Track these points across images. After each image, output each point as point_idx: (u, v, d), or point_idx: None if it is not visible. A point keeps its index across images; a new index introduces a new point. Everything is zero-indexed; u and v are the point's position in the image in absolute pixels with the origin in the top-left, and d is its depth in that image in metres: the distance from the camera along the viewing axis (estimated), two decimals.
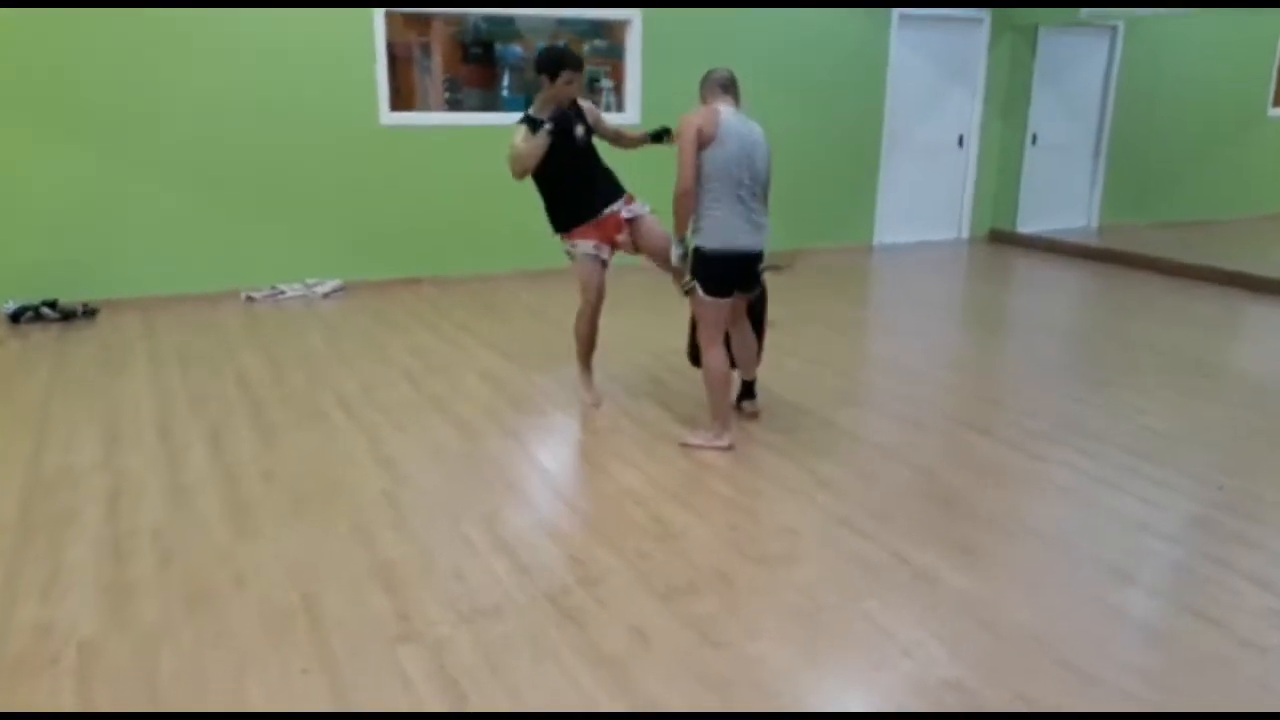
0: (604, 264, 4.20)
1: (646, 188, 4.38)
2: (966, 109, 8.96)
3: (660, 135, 4.19)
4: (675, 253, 3.77)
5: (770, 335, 4.41)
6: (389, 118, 6.70)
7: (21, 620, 2.59)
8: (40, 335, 5.49)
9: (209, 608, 2.67)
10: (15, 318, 5.70)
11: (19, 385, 4.62)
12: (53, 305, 5.81)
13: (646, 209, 4.20)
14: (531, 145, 3.92)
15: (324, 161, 6.55)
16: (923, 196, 9.02)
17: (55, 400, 4.38)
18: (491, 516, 3.26)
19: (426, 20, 7.74)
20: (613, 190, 4.19)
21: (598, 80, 7.92)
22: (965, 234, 9.29)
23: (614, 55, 7.75)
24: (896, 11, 8.28)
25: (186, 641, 2.51)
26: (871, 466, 3.73)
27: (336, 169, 6.60)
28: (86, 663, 2.41)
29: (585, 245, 4.14)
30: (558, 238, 4.23)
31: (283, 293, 6.48)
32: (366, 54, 6.50)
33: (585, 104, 4.16)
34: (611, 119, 4.61)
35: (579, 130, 4.07)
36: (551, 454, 3.93)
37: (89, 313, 5.88)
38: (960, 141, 9.01)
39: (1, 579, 2.80)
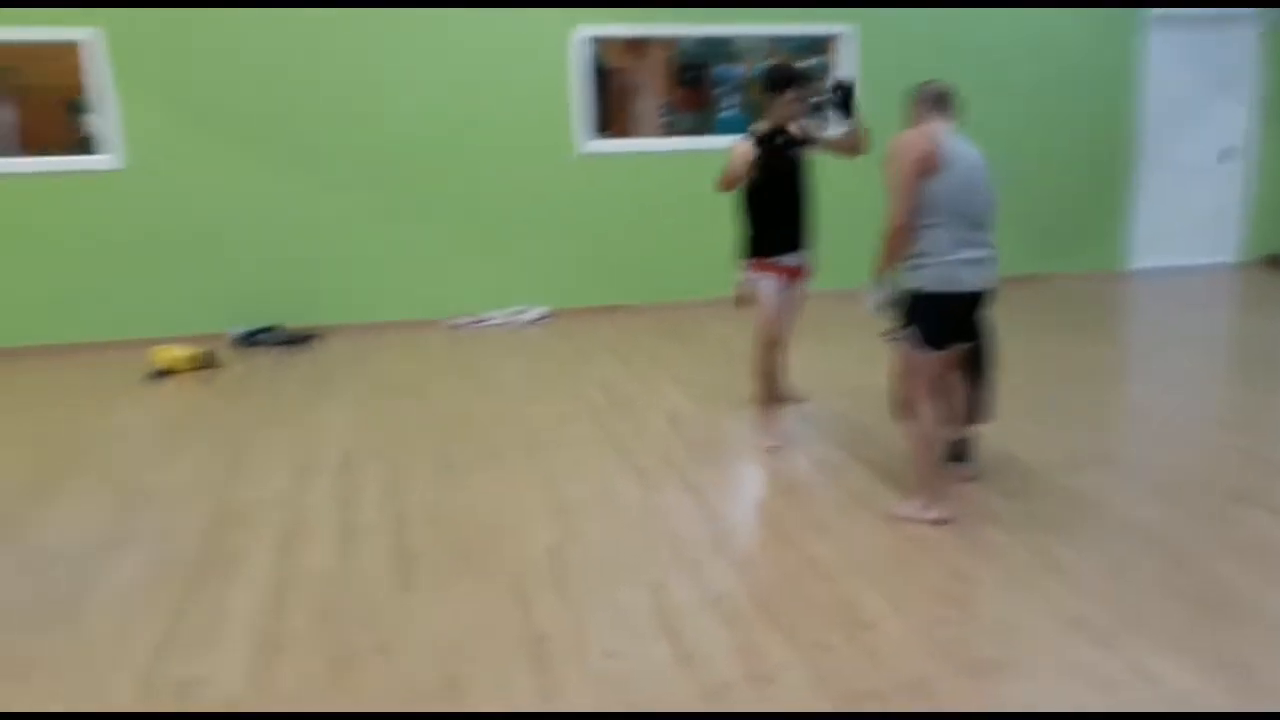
0: (786, 301, 4.05)
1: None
2: (1234, 118, 7.77)
3: (842, 97, 3.78)
4: (873, 298, 3.31)
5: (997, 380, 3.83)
6: (593, 144, 6.61)
7: (169, 675, 2.53)
8: (262, 359, 5.75)
9: (349, 677, 2.51)
10: (242, 342, 6.03)
11: (232, 410, 4.81)
12: (275, 330, 6.10)
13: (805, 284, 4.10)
14: (741, 149, 3.84)
15: (531, 190, 6.54)
16: (1185, 216, 7.90)
17: (260, 427, 4.51)
18: (658, 587, 2.93)
19: (640, 44, 7.62)
20: (804, 238, 4.05)
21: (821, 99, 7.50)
22: (1237, 258, 8.06)
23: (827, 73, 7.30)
24: (1153, 12, 7.30)
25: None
26: (1117, 549, 3.09)
27: (543, 197, 6.57)
28: None
29: (767, 281, 3.99)
30: (741, 265, 4.08)
31: (488, 321, 6.51)
32: (567, 80, 6.44)
33: (805, 124, 4.01)
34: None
35: (794, 153, 3.96)
36: (731, 513, 3.56)
37: (307, 339, 6.13)
38: (1225, 155, 7.83)
39: (166, 624, 2.78)
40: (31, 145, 7.57)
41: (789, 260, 4.00)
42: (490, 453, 4.11)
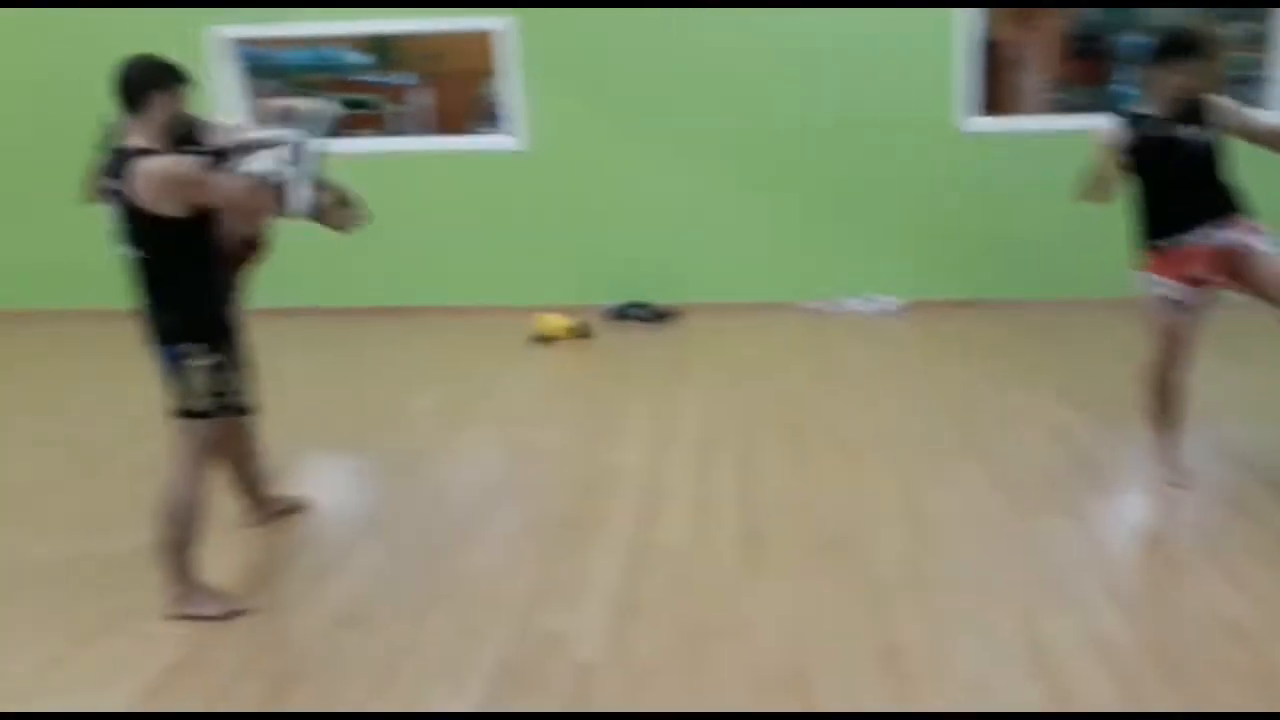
0: (1189, 310, 3.27)
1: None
2: None
3: None
4: None
5: None
6: (973, 123, 6.18)
7: (539, 626, 2.71)
8: (631, 333, 6.06)
9: (701, 654, 2.54)
10: (614, 315, 6.39)
11: (602, 379, 5.12)
12: (643, 306, 6.40)
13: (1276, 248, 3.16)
14: (1106, 139, 3.23)
15: (898, 172, 6.26)
16: None
17: (626, 398, 4.74)
18: (1029, 614, 2.66)
19: (1030, 14, 7.00)
20: (1220, 209, 3.22)
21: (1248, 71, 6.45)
22: None
23: (1265, 41, 6.23)
24: None
25: (672, 687, 2.40)
26: None
27: (911, 179, 6.27)
28: (577, 689, 2.42)
29: (1162, 285, 3.27)
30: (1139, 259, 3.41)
31: (842, 307, 6.36)
32: (949, 53, 6.05)
33: (1219, 100, 3.22)
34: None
35: (1189, 131, 3.17)
36: (1123, 549, 3.16)
37: (672, 315, 6.36)
38: None
39: (537, 575, 3.00)
40: (448, 126, 8.57)
41: (1197, 241, 3.20)
42: (841, 445, 3.99)
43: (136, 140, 2.56)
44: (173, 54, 2.96)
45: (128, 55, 2.62)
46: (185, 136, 2.72)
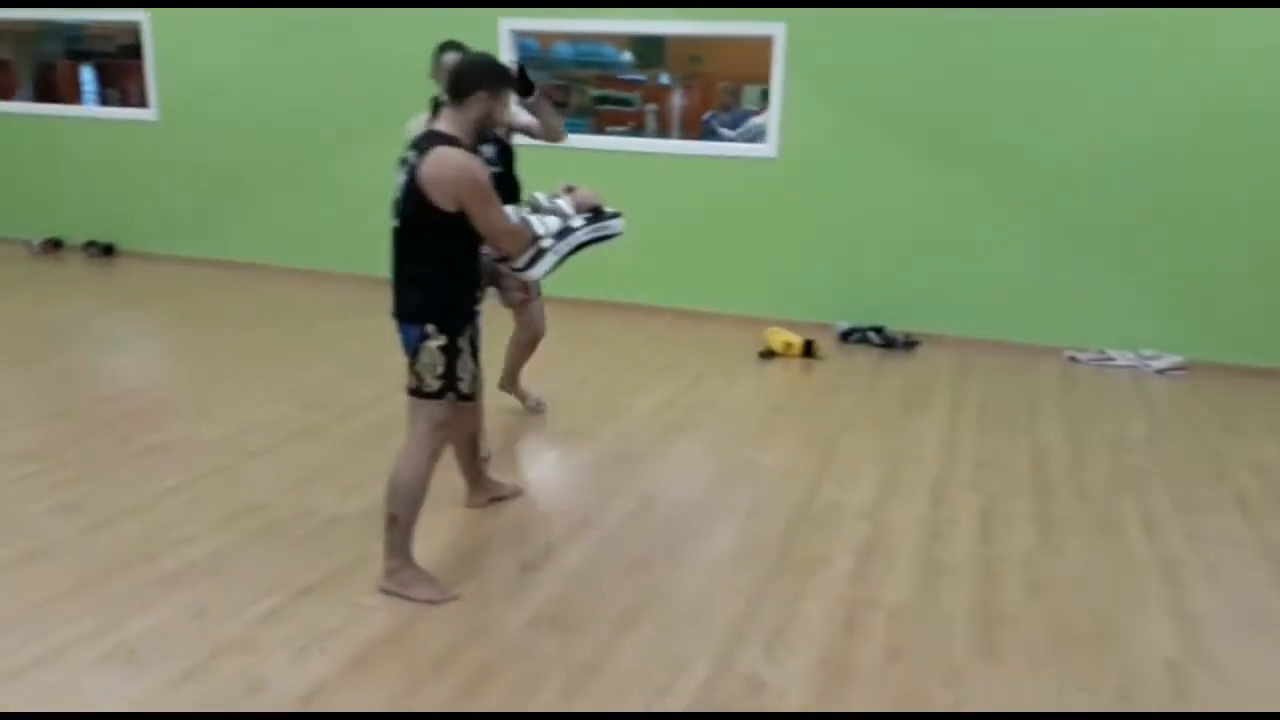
0: None
1: None
2: None
3: None
4: None
5: None
6: None
7: (741, 666, 2.53)
8: (861, 359, 5.74)
9: None
10: (844, 337, 6.09)
11: (826, 405, 4.85)
12: (879, 331, 6.06)
13: None
14: None
15: (1202, 218, 5.56)
16: None
17: (850, 427, 4.46)
18: None
19: None
20: None
21: None
22: None
23: None
24: None
25: None
26: None
27: (1214, 227, 5.55)
28: None
29: None
30: None
31: (1111, 360, 5.74)
32: None
33: None
34: None
35: None
36: None
37: (909, 344, 5.98)
38: None
39: (742, 608, 2.81)
40: (692, 129, 8.55)
41: None
42: (1100, 517, 3.54)
43: (446, 126, 2.64)
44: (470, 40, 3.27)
45: (470, 50, 2.80)
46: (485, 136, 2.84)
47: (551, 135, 3.73)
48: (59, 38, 9.62)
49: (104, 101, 9.49)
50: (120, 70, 9.29)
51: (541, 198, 2.99)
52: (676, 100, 9.25)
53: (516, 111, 3.76)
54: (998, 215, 5.92)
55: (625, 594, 2.87)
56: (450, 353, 2.70)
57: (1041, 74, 5.67)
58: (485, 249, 2.86)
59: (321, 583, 2.82)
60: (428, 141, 2.62)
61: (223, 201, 7.58)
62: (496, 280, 3.88)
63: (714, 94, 8.56)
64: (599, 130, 8.21)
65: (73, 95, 9.65)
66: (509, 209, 2.81)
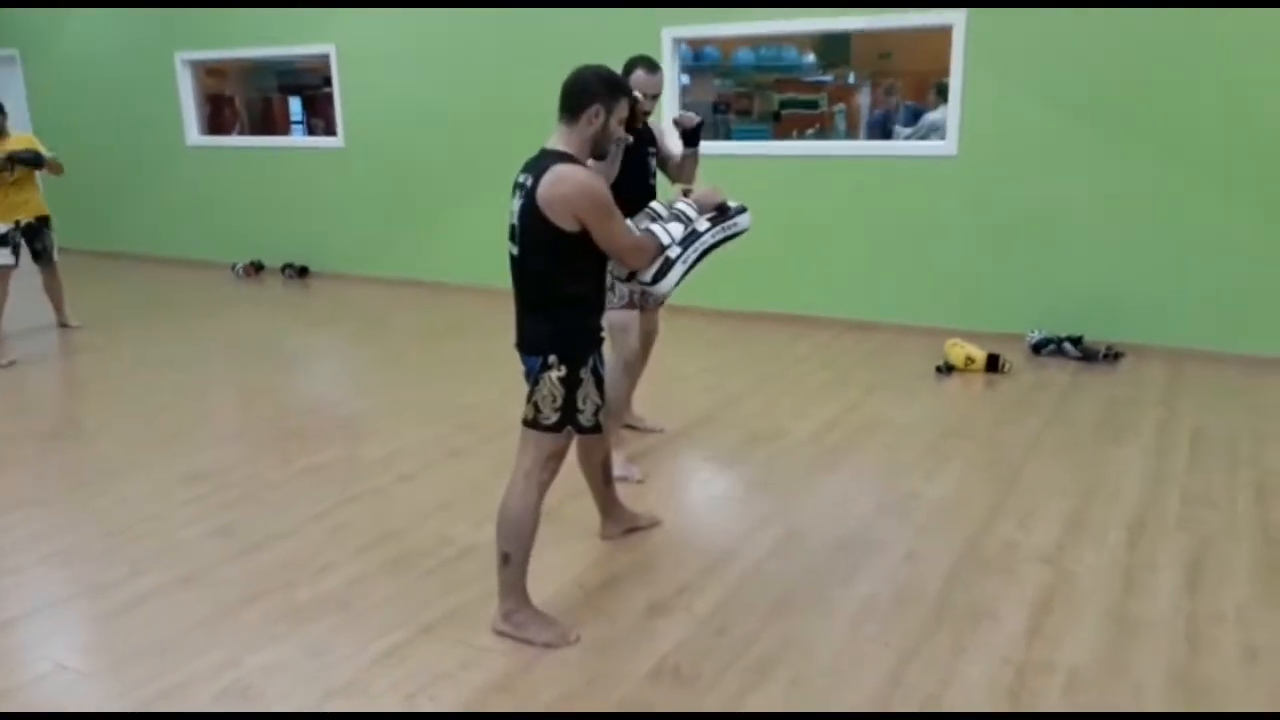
0: None
1: None
2: None
3: None
4: None
5: None
6: None
7: None
8: (1055, 372, 5.19)
9: None
10: (1036, 349, 5.53)
11: (1010, 425, 4.38)
12: (1076, 342, 5.46)
13: None
14: None
15: None
16: None
17: (1036, 454, 3.99)
18: None
19: None
20: None
21: None
22: None
23: None
24: None
25: None
26: None
27: None
28: None
29: None
30: None
31: None
32: None
33: None
34: None
35: None
36: None
37: (1112, 356, 5.36)
38: None
39: (891, 670, 2.50)
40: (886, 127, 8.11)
41: None
42: None
43: (560, 144, 2.52)
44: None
45: (582, 64, 2.61)
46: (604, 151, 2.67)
47: (679, 179, 3.88)
48: (273, 73, 10.37)
49: (310, 131, 10.13)
50: (325, 101, 9.89)
51: (659, 207, 2.82)
52: (863, 100, 8.84)
53: (669, 134, 3.92)
54: (1215, 208, 5.20)
55: (760, 643, 2.62)
56: (570, 384, 2.56)
57: (1262, 46, 4.93)
58: (611, 267, 2.71)
59: (443, 620, 2.74)
60: (543, 161, 2.49)
61: (405, 222, 7.88)
62: (642, 303, 3.76)
63: (908, 91, 8.15)
64: (783, 135, 7.96)
65: (285, 126, 10.37)
66: (629, 222, 2.64)
